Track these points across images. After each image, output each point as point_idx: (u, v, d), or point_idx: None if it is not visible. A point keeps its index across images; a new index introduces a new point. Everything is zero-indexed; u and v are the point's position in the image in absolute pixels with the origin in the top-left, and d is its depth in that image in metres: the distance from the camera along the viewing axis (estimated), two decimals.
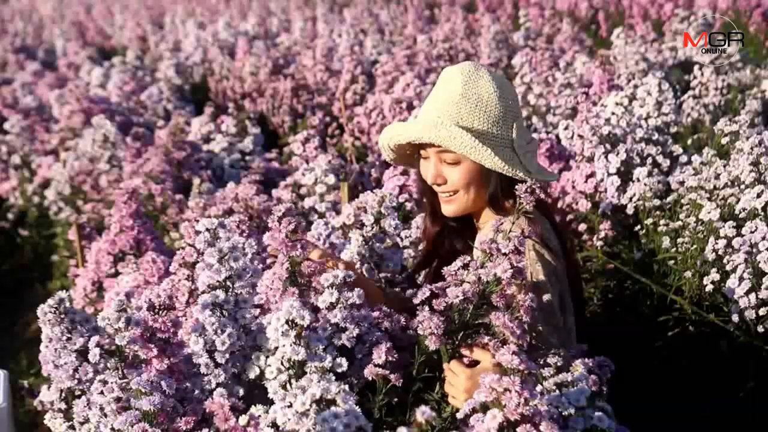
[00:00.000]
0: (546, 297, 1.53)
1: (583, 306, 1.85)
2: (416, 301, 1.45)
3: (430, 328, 1.37)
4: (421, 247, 2.05)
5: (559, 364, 1.33)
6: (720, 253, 2.37)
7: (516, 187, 1.45)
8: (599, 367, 1.38)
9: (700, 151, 3.04)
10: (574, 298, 1.73)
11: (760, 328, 2.24)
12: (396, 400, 1.42)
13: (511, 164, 1.66)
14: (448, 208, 1.78)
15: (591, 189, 3.01)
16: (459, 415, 1.22)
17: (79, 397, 1.62)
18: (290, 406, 1.23)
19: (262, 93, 6.60)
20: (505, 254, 1.38)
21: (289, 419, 1.23)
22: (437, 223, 1.89)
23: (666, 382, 2.39)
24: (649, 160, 3.01)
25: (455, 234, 1.87)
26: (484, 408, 1.17)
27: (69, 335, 1.62)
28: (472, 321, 1.42)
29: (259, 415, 1.30)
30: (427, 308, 1.41)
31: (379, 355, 1.39)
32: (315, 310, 1.47)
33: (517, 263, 1.38)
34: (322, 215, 2.99)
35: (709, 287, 2.36)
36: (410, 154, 1.85)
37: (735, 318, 2.26)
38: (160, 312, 1.56)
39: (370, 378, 1.39)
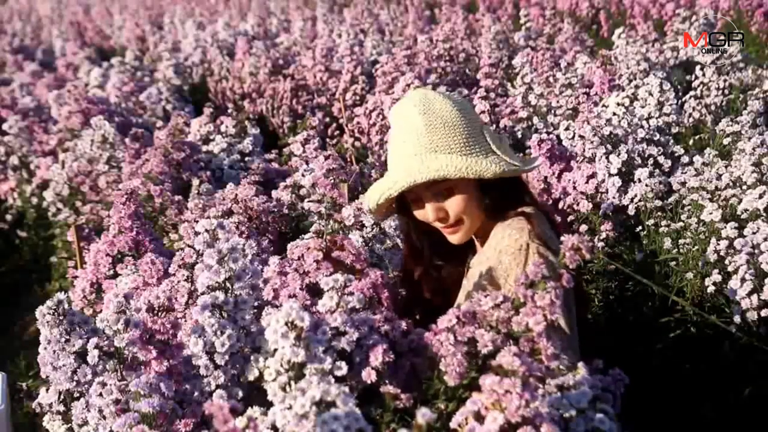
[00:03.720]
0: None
1: (586, 305, 1.84)
2: (441, 325, 1.40)
3: (453, 364, 1.33)
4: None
5: (561, 367, 1.32)
6: (722, 254, 2.37)
7: (562, 239, 1.37)
8: (614, 382, 1.37)
9: (701, 152, 3.03)
10: (576, 298, 1.72)
11: (763, 330, 2.23)
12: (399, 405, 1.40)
13: (504, 166, 1.66)
14: (456, 237, 1.76)
15: (592, 190, 3.00)
16: (452, 424, 1.20)
17: (77, 399, 1.61)
18: (290, 408, 1.22)
19: (261, 93, 6.59)
20: (539, 306, 1.32)
21: (288, 421, 1.21)
22: (421, 264, 1.88)
23: (668, 384, 2.38)
24: (651, 161, 3.00)
25: (442, 267, 1.87)
26: (478, 417, 1.16)
27: (68, 337, 1.61)
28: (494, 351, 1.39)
29: (257, 417, 1.29)
30: (450, 337, 1.36)
31: (376, 356, 1.38)
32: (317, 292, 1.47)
33: (551, 315, 1.32)
34: (321, 216, 2.98)
35: (711, 288, 2.36)
36: (390, 205, 1.83)
37: (737, 319, 2.25)
38: (159, 313, 1.55)
39: (368, 382, 1.38)
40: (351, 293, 1.46)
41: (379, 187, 1.76)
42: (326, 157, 2.91)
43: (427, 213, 1.73)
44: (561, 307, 1.51)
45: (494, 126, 4.25)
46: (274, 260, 1.72)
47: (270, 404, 1.31)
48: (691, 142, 3.70)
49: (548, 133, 3.23)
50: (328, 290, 1.45)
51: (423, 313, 1.86)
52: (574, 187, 3.04)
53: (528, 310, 1.32)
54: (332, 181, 2.74)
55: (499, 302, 1.37)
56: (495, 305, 1.37)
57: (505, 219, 1.70)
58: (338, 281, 1.45)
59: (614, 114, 3.47)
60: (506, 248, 1.63)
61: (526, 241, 1.61)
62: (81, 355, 1.60)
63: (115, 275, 2.47)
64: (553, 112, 4.33)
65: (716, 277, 2.35)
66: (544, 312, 1.31)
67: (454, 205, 1.70)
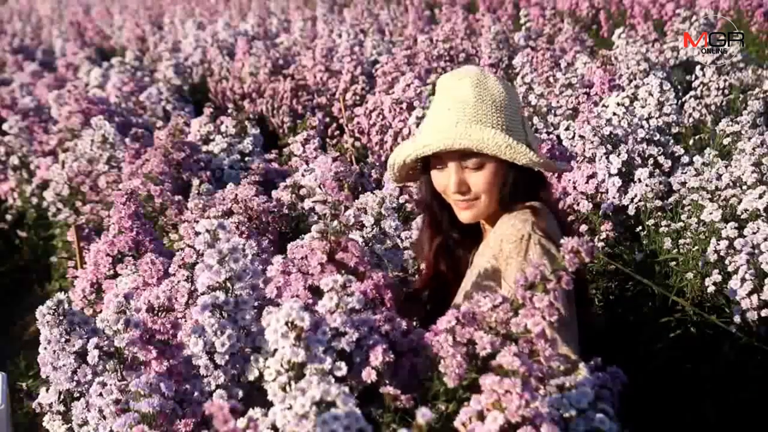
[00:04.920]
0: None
1: (590, 305, 1.85)
2: (440, 326, 1.40)
3: (452, 365, 1.33)
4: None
5: (562, 367, 1.32)
6: (722, 254, 2.37)
7: (562, 242, 1.34)
8: (612, 379, 1.36)
9: (701, 152, 3.03)
10: (581, 297, 1.72)
11: (763, 330, 2.23)
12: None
13: (539, 158, 1.68)
14: (467, 215, 1.75)
15: (592, 190, 3.00)
16: (455, 424, 1.20)
17: (77, 399, 1.61)
18: (290, 408, 1.22)
19: (261, 93, 6.59)
20: (538, 308, 1.31)
21: (288, 421, 1.21)
22: (439, 234, 1.87)
23: (668, 384, 2.37)
24: (651, 161, 3.00)
25: (458, 243, 1.87)
26: (480, 416, 1.16)
27: (68, 337, 1.61)
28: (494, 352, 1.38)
29: (257, 418, 1.29)
30: (450, 338, 1.36)
31: (376, 356, 1.38)
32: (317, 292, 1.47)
33: (549, 317, 1.32)
34: (324, 217, 2.98)
35: (711, 288, 2.36)
36: (413, 170, 1.83)
37: (737, 319, 2.25)
38: (160, 313, 1.55)
39: (368, 381, 1.38)
40: (351, 294, 1.46)
41: (408, 146, 1.75)
42: (334, 159, 2.91)
43: (449, 182, 1.72)
44: (562, 298, 1.52)
45: None
46: (278, 259, 1.72)
47: (270, 404, 1.31)
48: (691, 142, 3.69)
49: (548, 133, 3.24)
50: (328, 291, 1.45)
51: (432, 301, 1.88)
52: (574, 187, 3.04)
53: (527, 311, 1.32)
54: (339, 183, 2.76)
55: (498, 303, 1.37)
56: (494, 306, 1.37)
57: (513, 211, 1.71)
58: (338, 282, 1.45)
59: (614, 114, 3.47)
60: (508, 236, 1.65)
61: (528, 232, 1.63)
62: (81, 355, 1.60)
63: (115, 275, 2.47)
64: (553, 112, 4.32)
65: (716, 277, 2.35)
66: (542, 314, 1.31)
67: (478, 181, 1.70)
